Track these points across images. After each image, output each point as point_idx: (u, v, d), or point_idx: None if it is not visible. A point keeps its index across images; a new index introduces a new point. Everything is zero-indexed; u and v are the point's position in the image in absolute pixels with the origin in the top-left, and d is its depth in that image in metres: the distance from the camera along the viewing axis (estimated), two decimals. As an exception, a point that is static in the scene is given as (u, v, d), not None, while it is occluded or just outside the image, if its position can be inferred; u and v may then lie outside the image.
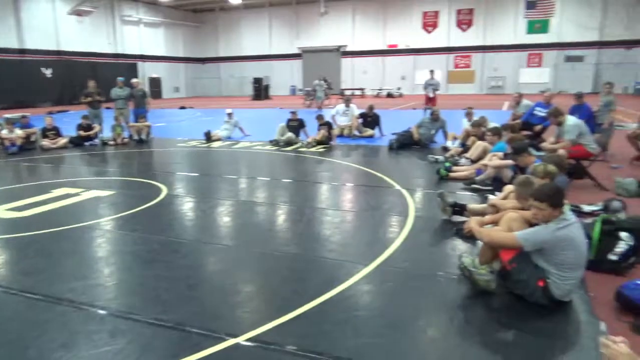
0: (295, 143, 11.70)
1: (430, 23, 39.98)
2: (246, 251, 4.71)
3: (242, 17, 44.96)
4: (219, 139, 12.80)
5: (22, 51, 30.30)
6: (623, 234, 3.98)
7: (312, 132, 12.04)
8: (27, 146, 11.53)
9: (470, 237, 4.39)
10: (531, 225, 3.51)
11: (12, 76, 28.05)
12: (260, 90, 36.69)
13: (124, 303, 3.59)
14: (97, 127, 12.79)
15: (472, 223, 3.92)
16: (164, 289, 3.78)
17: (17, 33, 30.01)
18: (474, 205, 5.47)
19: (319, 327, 3.17)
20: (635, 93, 30.35)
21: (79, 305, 3.52)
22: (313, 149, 11.01)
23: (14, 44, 29.84)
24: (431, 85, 19.71)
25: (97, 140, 12.53)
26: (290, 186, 7.71)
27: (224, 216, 6.08)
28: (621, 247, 3.93)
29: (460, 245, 4.66)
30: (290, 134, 11.82)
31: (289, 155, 10.50)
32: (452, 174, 7.52)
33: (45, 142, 11.71)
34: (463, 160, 8.33)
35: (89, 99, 13.20)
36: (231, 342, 2.99)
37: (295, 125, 12.15)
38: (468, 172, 7.42)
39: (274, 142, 11.77)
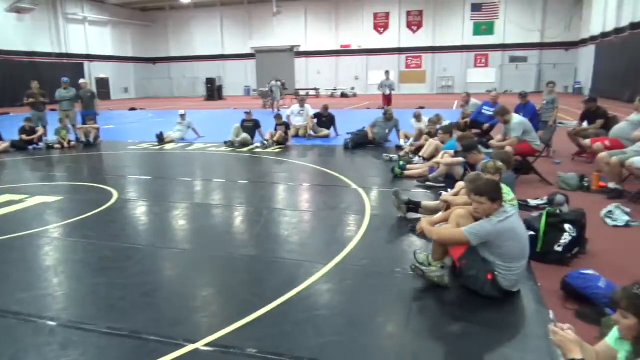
0: (251, 144, 11.61)
1: (381, 24, 40.64)
2: (203, 255, 4.64)
3: (193, 16, 44.11)
4: (172, 141, 12.50)
5: (-44, 50, 28.59)
6: (567, 226, 4.19)
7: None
8: (-37, 151, 10.89)
9: (423, 237, 4.50)
10: (477, 220, 3.65)
11: (-55, 77, 26.37)
12: (214, 91, 36.15)
13: (75, 313, 3.45)
14: (40, 130, 12.21)
15: (424, 223, 4.02)
16: (117, 297, 3.66)
17: (-51, 31, 28.27)
18: (427, 202, 5.61)
19: (279, 328, 3.16)
20: (574, 92, 32.00)
21: (27, 317, 3.36)
22: (269, 150, 10.96)
23: (-54, 43, 28.11)
24: (387, 85, 20.19)
25: (41, 144, 11.97)
26: (247, 187, 7.65)
27: (180, 220, 5.96)
28: (565, 238, 4.14)
29: (416, 241, 4.77)
30: (245, 135, 11.71)
31: (244, 157, 10.40)
32: (406, 172, 7.68)
33: (-16, 147, 11.09)
34: (417, 159, 8.53)
35: (32, 100, 12.60)
36: (190, 347, 2.94)
37: (250, 126, 12.04)
38: (422, 170, 7.60)
39: (229, 143, 11.63)
